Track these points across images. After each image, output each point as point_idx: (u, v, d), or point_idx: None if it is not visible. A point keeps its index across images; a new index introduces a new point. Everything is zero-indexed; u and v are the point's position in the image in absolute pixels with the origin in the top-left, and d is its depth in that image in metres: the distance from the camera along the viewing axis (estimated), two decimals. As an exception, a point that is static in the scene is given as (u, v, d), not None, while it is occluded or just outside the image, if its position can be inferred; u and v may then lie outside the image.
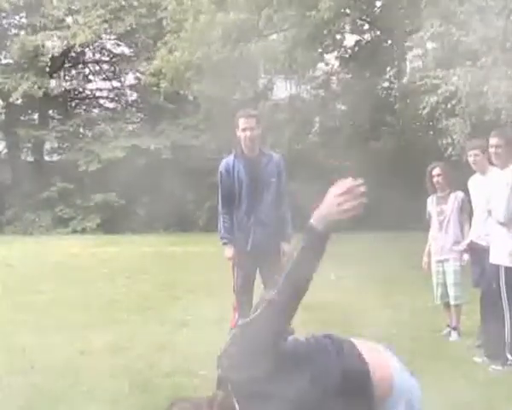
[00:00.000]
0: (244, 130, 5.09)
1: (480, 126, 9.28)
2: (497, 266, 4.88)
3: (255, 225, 5.11)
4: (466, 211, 5.89)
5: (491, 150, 5.00)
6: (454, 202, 5.96)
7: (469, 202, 5.82)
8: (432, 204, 6.13)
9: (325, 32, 14.62)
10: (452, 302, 6.00)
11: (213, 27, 14.47)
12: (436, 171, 6.03)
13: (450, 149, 10.42)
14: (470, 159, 5.67)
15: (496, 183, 4.98)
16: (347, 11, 13.82)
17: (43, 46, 20.78)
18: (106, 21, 20.99)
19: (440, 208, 6.02)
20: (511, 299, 4.82)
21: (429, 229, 6.25)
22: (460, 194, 5.96)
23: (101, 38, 22.83)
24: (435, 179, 6.02)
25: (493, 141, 4.95)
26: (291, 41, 14.45)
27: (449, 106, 10.01)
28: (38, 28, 21.53)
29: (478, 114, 9.71)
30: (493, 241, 4.99)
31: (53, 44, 21.27)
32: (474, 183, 5.75)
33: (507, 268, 4.81)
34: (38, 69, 21.32)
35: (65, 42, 21.26)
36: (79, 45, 22.38)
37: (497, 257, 4.92)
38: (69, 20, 22.30)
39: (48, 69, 22.16)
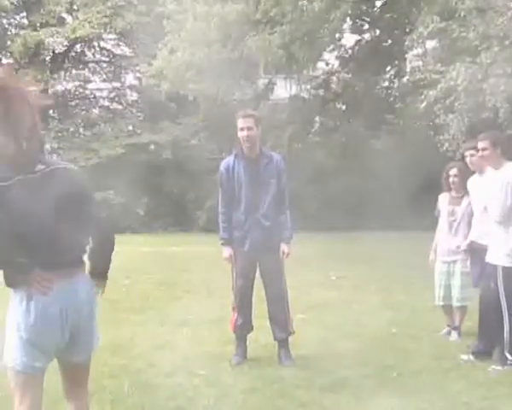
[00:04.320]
0: (242, 129, 5.09)
1: (478, 124, 9.29)
2: (495, 266, 4.90)
3: (253, 225, 5.11)
4: None
5: (479, 154, 5.15)
6: (467, 205, 5.87)
7: None
8: (443, 202, 6.07)
9: (323, 29, 14.58)
10: (458, 304, 5.96)
11: (211, 20, 14.45)
12: (453, 171, 5.96)
13: (446, 144, 10.41)
14: (467, 159, 5.66)
15: (491, 182, 5.02)
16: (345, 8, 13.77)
17: (45, 41, 20.81)
18: (106, 17, 21.00)
19: (452, 209, 5.96)
20: (509, 299, 4.83)
21: (433, 227, 6.21)
22: None
23: (102, 37, 22.81)
24: (451, 179, 5.95)
25: (480, 144, 5.09)
26: (288, 36, 14.44)
27: (447, 102, 10.01)
28: (39, 26, 21.54)
29: (475, 111, 9.71)
30: (491, 240, 5.01)
31: (54, 40, 21.30)
32: (472, 183, 5.74)
33: (504, 268, 4.83)
34: (39, 66, 21.33)
35: (65, 41, 21.29)
36: (80, 45, 22.39)
37: (494, 257, 4.94)
38: (69, 18, 22.34)
39: (49, 67, 22.17)
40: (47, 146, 23.66)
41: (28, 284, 2.70)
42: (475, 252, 5.53)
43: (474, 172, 5.77)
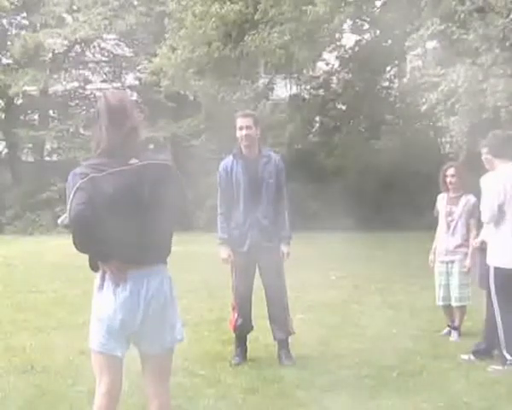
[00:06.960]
0: (240, 128, 5.10)
1: (479, 125, 9.28)
2: (489, 266, 4.95)
3: (253, 225, 5.10)
4: (475, 216, 5.79)
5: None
6: (465, 205, 5.87)
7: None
8: (442, 202, 6.06)
9: (323, 29, 14.54)
10: (456, 304, 5.96)
11: (209, 19, 14.41)
12: (450, 171, 5.96)
13: (448, 146, 10.42)
14: (483, 157, 5.62)
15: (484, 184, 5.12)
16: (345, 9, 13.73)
17: (45, 42, 20.79)
18: (106, 19, 20.97)
19: (450, 209, 5.96)
20: (501, 298, 4.85)
21: (433, 227, 6.20)
22: (472, 198, 5.84)
23: (101, 38, 22.79)
24: (448, 180, 5.95)
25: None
26: (288, 35, 14.40)
27: (448, 104, 10.00)
28: (39, 27, 21.52)
29: (476, 112, 9.70)
30: (488, 241, 5.07)
31: (54, 42, 21.26)
32: (485, 181, 5.72)
33: (495, 268, 4.87)
34: (39, 67, 21.32)
35: (65, 41, 21.26)
36: (80, 45, 22.32)
37: (488, 257, 4.99)
38: (70, 18, 22.32)
39: (48, 68, 22.16)
40: (47, 146, 23.69)
41: (104, 272, 2.88)
42: (483, 252, 5.53)
43: (471, 172, 5.77)
